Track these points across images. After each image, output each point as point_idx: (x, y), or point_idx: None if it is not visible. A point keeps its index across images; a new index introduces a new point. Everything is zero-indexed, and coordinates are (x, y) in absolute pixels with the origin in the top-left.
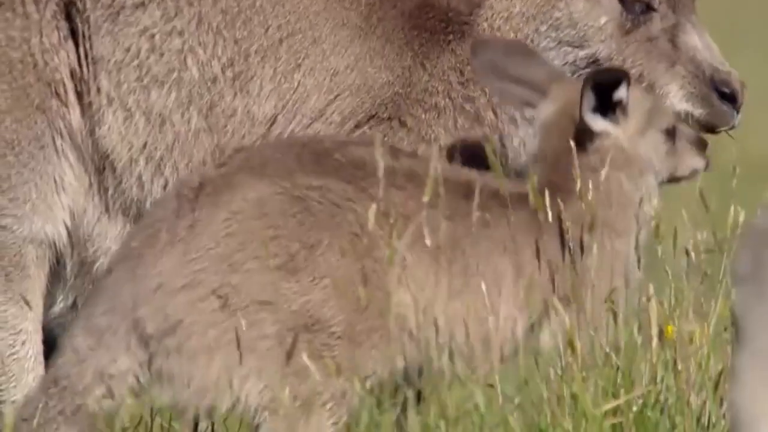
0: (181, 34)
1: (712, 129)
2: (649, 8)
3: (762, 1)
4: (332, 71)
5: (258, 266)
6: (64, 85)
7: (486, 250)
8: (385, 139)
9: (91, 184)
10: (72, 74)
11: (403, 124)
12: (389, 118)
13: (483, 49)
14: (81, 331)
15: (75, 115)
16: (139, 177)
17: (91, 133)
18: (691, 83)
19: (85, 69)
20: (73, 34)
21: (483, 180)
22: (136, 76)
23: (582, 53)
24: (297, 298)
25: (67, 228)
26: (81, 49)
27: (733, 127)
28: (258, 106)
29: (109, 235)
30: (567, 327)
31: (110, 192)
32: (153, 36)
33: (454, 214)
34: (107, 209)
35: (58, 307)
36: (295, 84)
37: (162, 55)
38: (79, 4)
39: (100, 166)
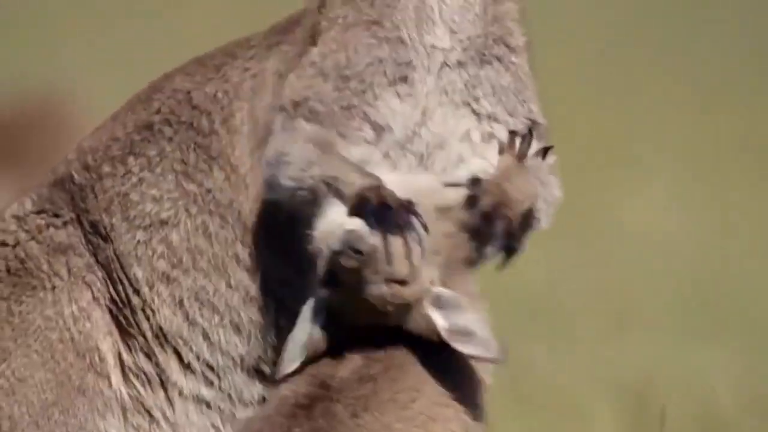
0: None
1: None
2: None
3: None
4: None
5: None
6: (99, 351)
7: None
8: None
9: (167, 396)
10: (111, 310)
11: None
12: None
13: None
14: None
15: (114, 379)
16: (205, 329)
17: (146, 340)
18: None
19: (125, 284)
20: (104, 264)
21: None
22: (161, 244)
23: None
24: None
25: None
26: (113, 268)
27: None
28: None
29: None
30: None
31: (195, 367)
32: (159, 209)
33: None
34: (197, 399)
35: None
36: None
37: (174, 213)
38: (102, 231)
39: (169, 373)
